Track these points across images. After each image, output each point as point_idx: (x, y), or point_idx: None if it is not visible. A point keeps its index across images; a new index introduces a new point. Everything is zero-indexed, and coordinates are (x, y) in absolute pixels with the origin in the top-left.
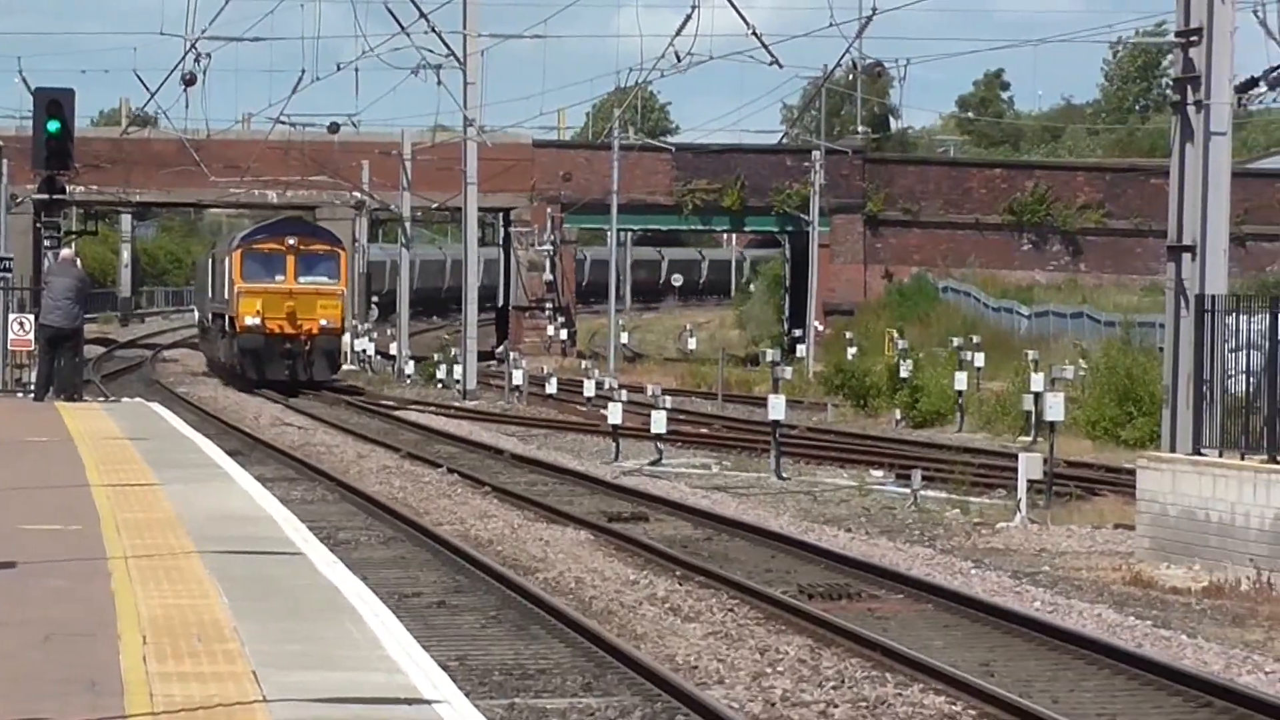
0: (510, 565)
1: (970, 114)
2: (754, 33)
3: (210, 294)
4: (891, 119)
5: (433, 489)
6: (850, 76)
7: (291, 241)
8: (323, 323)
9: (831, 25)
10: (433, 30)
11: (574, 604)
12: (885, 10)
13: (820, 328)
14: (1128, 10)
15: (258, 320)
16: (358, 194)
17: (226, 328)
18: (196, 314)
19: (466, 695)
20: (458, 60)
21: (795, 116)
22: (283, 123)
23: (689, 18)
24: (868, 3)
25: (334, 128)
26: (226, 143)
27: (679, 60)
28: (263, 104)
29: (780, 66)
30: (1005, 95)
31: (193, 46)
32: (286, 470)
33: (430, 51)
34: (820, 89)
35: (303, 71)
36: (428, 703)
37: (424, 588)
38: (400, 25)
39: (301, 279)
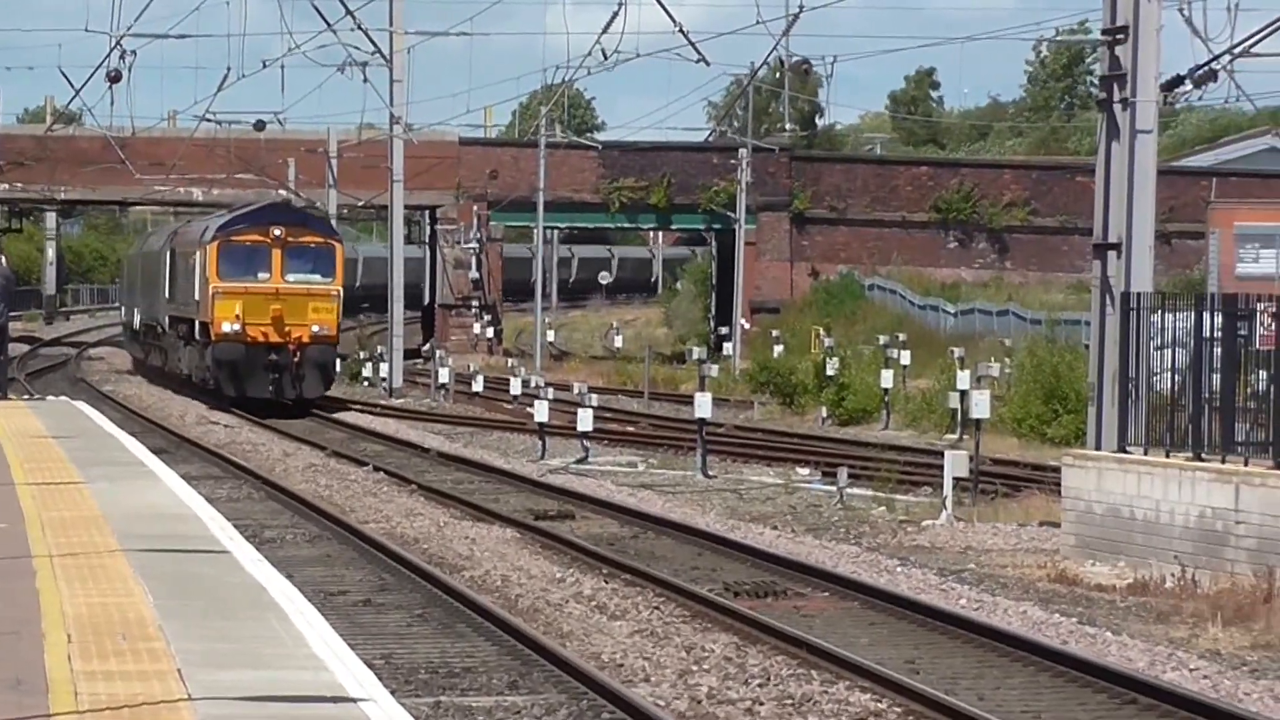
0: (436, 563)
1: (898, 112)
2: (681, 30)
3: (168, 294)
4: (819, 116)
5: (359, 487)
6: (778, 74)
7: (278, 232)
8: (315, 329)
9: (759, 23)
10: (359, 27)
11: (500, 602)
12: (812, 8)
13: (746, 325)
14: (1056, 9)
15: (237, 326)
16: (284, 192)
17: (197, 335)
18: (123, 313)
19: (392, 693)
20: (384, 57)
21: (722, 114)
22: (208, 120)
23: (616, 15)
24: (795, 0)
25: (260, 125)
26: (152, 140)
27: (606, 58)
28: (188, 101)
29: (707, 64)
30: (935, 94)
31: (118, 43)
32: (212, 468)
33: (356, 49)
34: (747, 87)
35: (228, 69)
36: (353, 701)
37: (350, 586)
38: (326, 22)
39: (289, 277)
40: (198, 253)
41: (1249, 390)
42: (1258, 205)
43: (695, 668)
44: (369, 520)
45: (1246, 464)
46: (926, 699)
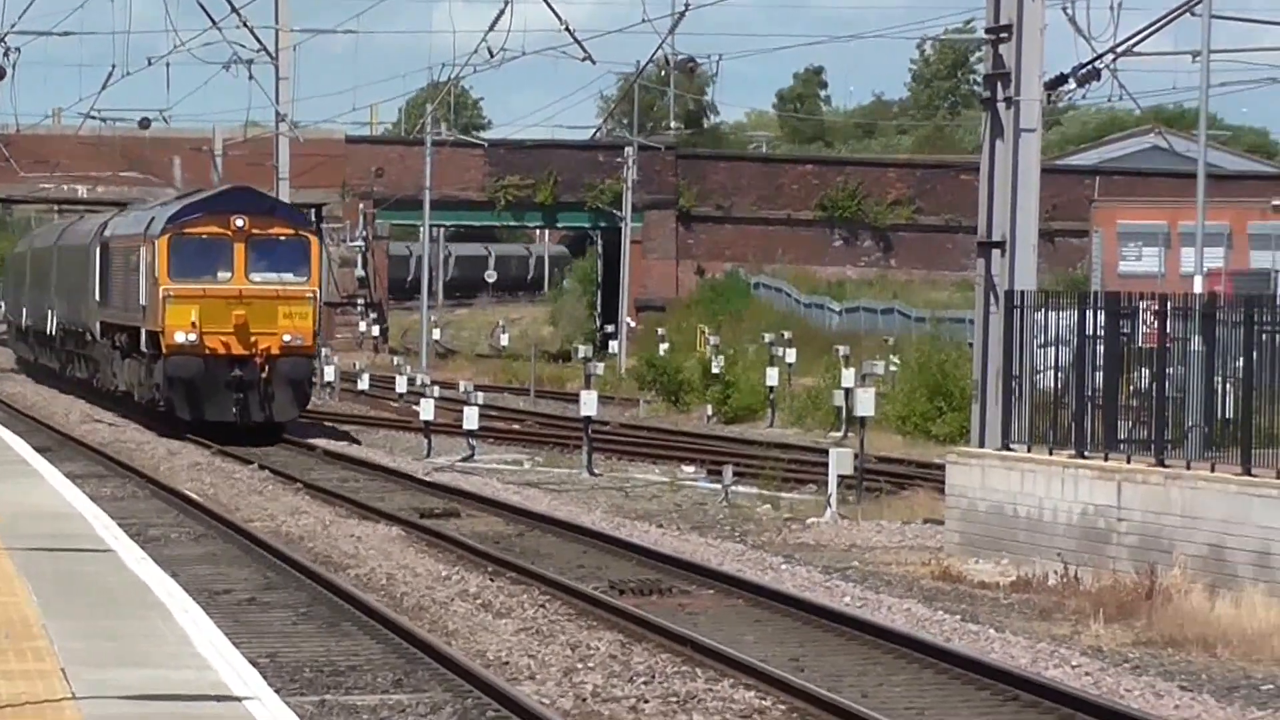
0: (322, 562)
1: (785, 110)
2: (567, 28)
3: (99, 297)
4: (706, 114)
5: (244, 485)
6: (663, 72)
7: (240, 223)
8: (286, 338)
9: (645, 21)
10: (244, 25)
11: (385, 600)
12: (698, 6)
13: (632, 324)
14: (942, 8)
15: (193, 336)
16: (170, 190)
17: (143, 346)
18: (5, 311)
19: (277, 692)
20: (270, 55)
21: (608, 113)
22: (93, 118)
23: (502, 13)
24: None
25: (145, 123)
26: (36, 138)
27: (492, 56)
28: (73, 99)
29: (594, 62)
30: (823, 93)
31: (1, 40)
32: (96, 467)
33: (242, 46)
34: (632, 85)
35: (113, 66)
36: (238, 699)
37: (235, 584)
38: (212, 20)
39: (255, 276)
40: (142, 248)
41: (1131, 388)
42: (1141, 204)
43: (580, 665)
44: (254, 519)
45: (1129, 461)
46: (811, 696)
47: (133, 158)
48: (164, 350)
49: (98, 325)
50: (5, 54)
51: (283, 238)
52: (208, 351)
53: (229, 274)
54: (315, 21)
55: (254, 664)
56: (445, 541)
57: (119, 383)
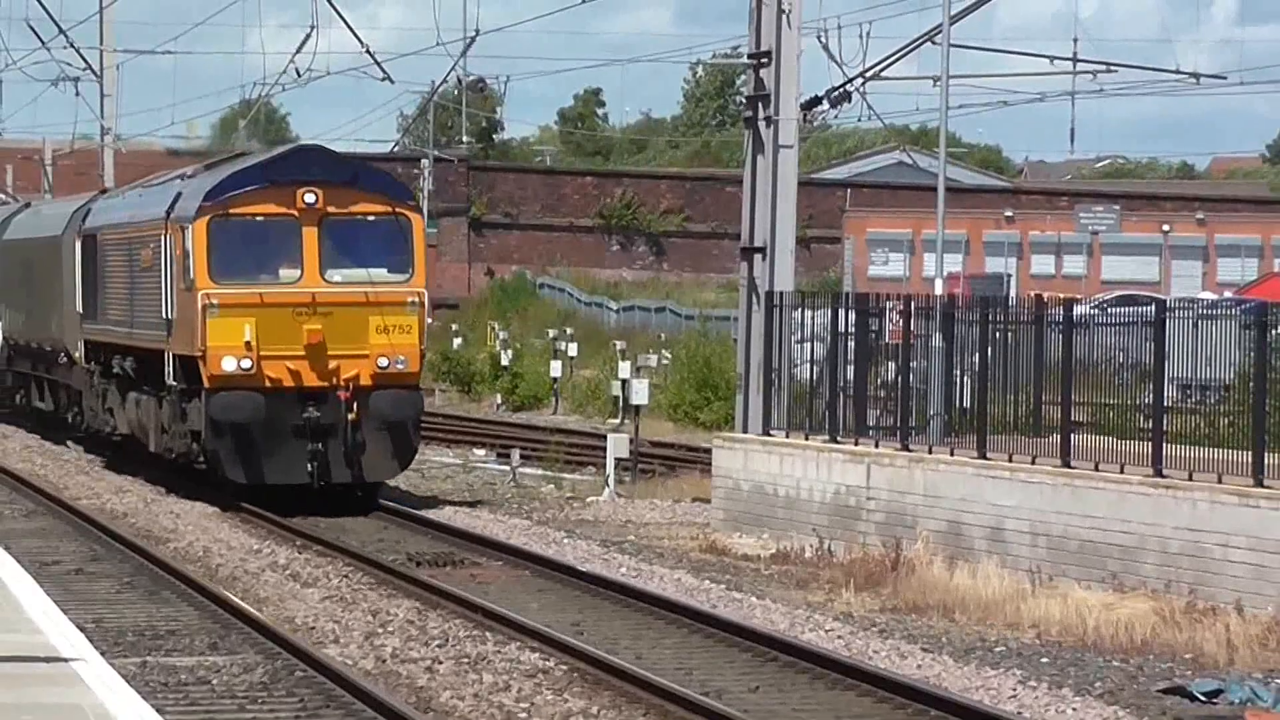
0: (144, 536)
1: (566, 127)
2: (368, 51)
3: (81, 306)
4: (496, 130)
5: (73, 466)
6: (457, 91)
7: (311, 198)
8: (382, 362)
9: (439, 45)
10: (71, 46)
11: (202, 571)
12: (487, 31)
13: (429, 320)
14: (711, 34)
15: (246, 363)
16: (2, 195)
17: (171, 378)
18: None
19: (102, 654)
20: (95, 74)
21: (406, 128)
22: None
23: (308, 37)
24: (471, 25)
25: None
26: None
27: (299, 76)
28: None
29: (392, 82)
30: (601, 111)
31: None
32: None
33: (69, 65)
34: (428, 102)
35: None
36: (66, 660)
37: (63, 556)
38: (41, 40)
39: (335, 273)
40: (165, 238)
41: (879, 380)
42: (887, 214)
43: (380, 630)
44: (81, 497)
45: (877, 445)
46: (589, 657)
47: None
48: (205, 383)
49: (80, 345)
50: None
51: (371, 217)
52: (268, 384)
53: (296, 271)
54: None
55: (81, 629)
56: (257, 518)
57: (116, 423)
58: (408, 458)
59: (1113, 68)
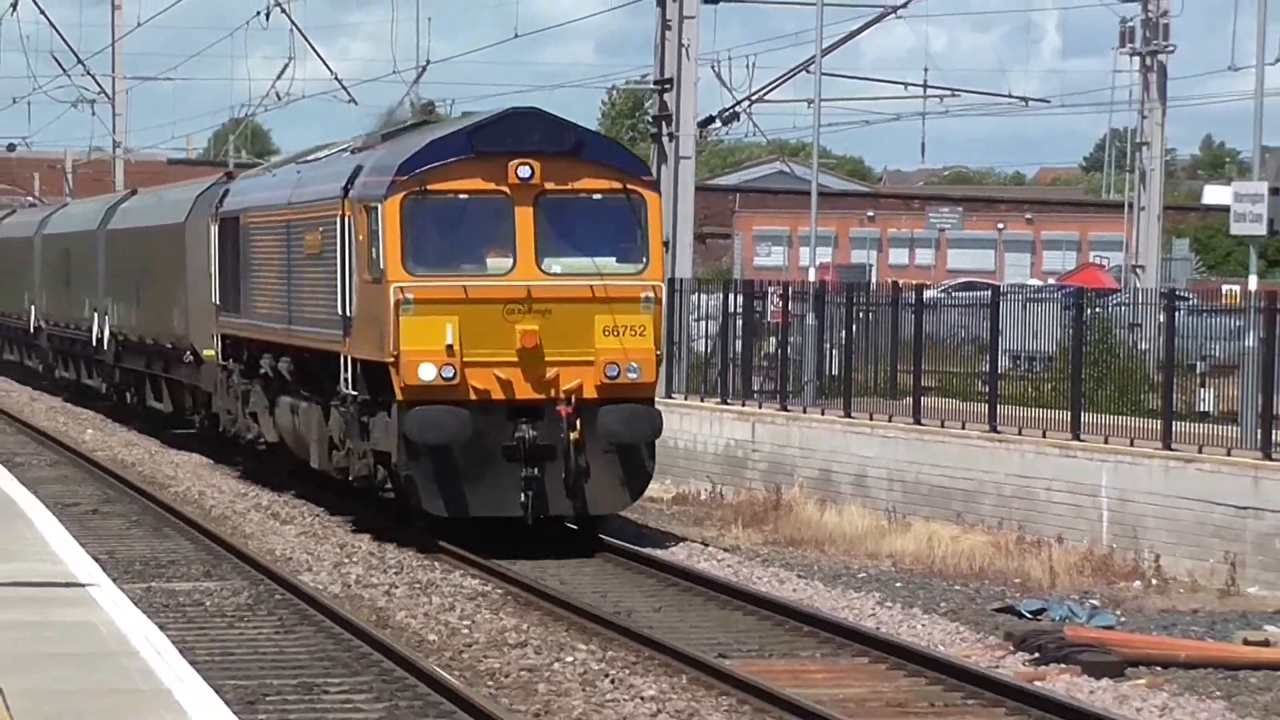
0: (149, 482)
1: None
2: (336, 78)
3: (222, 295)
4: None
5: (89, 424)
6: (411, 114)
7: (526, 171)
8: (610, 371)
9: (395, 73)
10: (88, 73)
11: (198, 511)
12: (437, 61)
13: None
14: (625, 64)
15: (449, 371)
16: (30, 198)
17: (350, 386)
18: None
19: (114, 580)
20: (108, 96)
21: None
22: None
23: (286, 66)
24: (423, 57)
25: (11, 147)
26: None
27: (279, 98)
28: None
29: (356, 104)
30: None
31: None
32: None
33: (87, 89)
34: (387, 123)
35: None
36: (83, 586)
37: (81, 499)
38: (63, 68)
39: (554, 263)
40: (344, 220)
41: (763, 352)
42: (770, 214)
43: (347, 560)
44: (97, 449)
45: (760, 407)
46: (522, 583)
47: (1, 174)
48: (398, 394)
49: (216, 340)
50: None
51: (598, 195)
52: (474, 396)
53: (507, 260)
54: (144, 70)
55: (96, 559)
56: (242, 468)
57: (261, 430)
58: (640, 486)
59: (956, 92)
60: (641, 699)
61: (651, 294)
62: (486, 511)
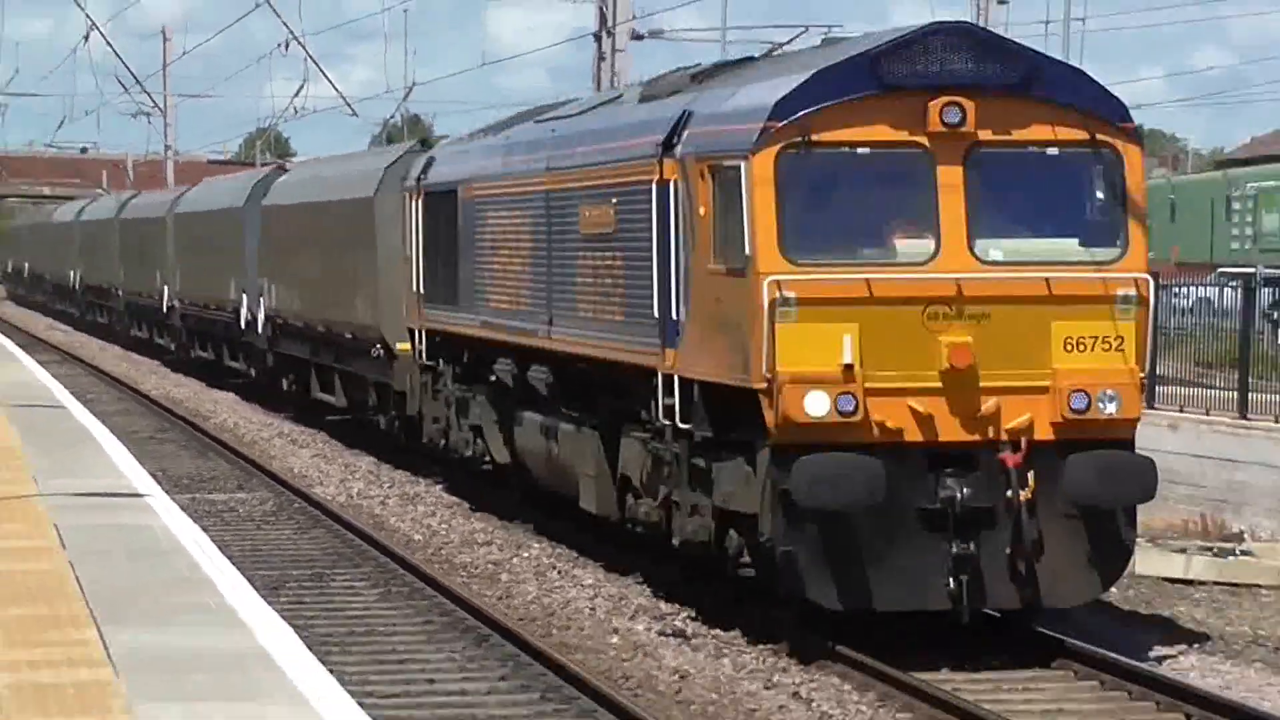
0: (193, 415)
1: None
2: (341, 95)
3: (424, 284)
4: None
5: (147, 369)
6: (402, 124)
7: (954, 115)
8: (1075, 401)
9: (388, 91)
10: (145, 91)
11: (232, 438)
12: (421, 83)
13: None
14: (571, 87)
15: (848, 402)
16: (99, 190)
17: (678, 416)
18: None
19: (166, 492)
20: (160, 110)
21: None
22: (50, 146)
23: (302, 86)
24: (410, 79)
25: (84, 150)
26: (19, 158)
27: (296, 112)
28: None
29: (357, 116)
30: None
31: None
32: (54, 357)
33: (144, 104)
34: (383, 131)
35: (64, 117)
36: (141, 496)
37: (140, 428)
38: (125, 88)
39: (992, 245)
40: (675, 184)
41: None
42: None
43: (350, 477)
44: (154, 389)
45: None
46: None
47: (75, 172)
48: (772, 434)
49: (419, 334)
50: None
51: (1055, 148)
52: (879, 437)
53: (927, 242)
54: (190, 88)
55: (152, 475)
56: (272, 401)
57: (488, 450)
58: (1116, 568)
59: None
60: None
61: (1133, 291)
62: (898, 603)
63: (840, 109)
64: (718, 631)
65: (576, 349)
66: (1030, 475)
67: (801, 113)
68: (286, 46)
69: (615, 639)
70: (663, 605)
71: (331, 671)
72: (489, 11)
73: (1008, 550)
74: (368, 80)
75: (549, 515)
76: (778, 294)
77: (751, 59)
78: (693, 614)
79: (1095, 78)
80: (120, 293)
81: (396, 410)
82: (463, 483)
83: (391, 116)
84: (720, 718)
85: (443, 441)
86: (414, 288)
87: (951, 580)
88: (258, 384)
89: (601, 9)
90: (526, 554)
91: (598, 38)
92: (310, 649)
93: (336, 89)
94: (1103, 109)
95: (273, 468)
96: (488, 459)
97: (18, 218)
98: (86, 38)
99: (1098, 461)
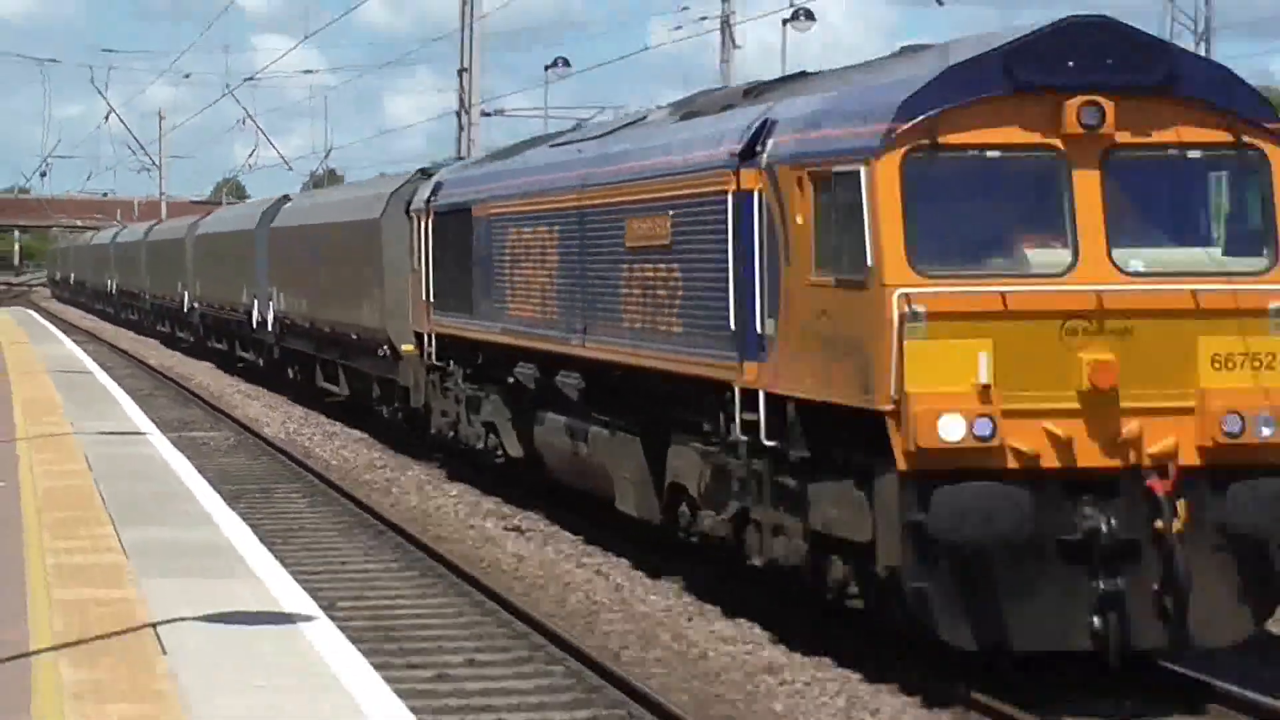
0: (182, 379)
1: None
2: (282, 156)
3: (432, 292)
4: None
5: (162, 348)
6: (325, 177)
7: (1092, 118)
8: (1229, 424)
9: (313, 153)
10: (145, 153)
11: (211, 395)
12: (337, 146)
13: None
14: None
15: (984, 426)
16: (115, 223)
17: (764, 433)
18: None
19: (161, 432)
20: (157, 166)
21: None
22: (82, 192)
23: (254, 149)
24: (329, 143)
25: (105, 194)
26: (54, 200)
27: (250, 168)
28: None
29: (292, 169)
30: None
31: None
32: (89, 339)
33: (145, 162)
34: (309, 184)
35: (90, 172)
36: (143, 434)
37: (146, 389)
38: (132, 151)
39: (1132, 255)
40: (760, 194)
41: None
42: None
43: (289, 420)
44: (163, 363)
45: None
46: (391, 439)
47: (98, 210)
48: (902, 462)
49: (428, 338)
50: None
51: (1196, 152)
52: (1015, 464)
53: (1063, 252)
54: (178, 151)
55: (152, 420)
56: (245, 372)
57: (502, 445)
58: (1269, 604)
59: None
60: None
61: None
62: (1038, 643)
63: (969, 110)
64: (543, 526)
65: (615, 357)
66: (1180, 504)
67: (928, 114)
68: (244, 122)
69: (472, 533)
70: (505, 509)
71: (275, 556)
72: (385, 96)
73: (1155, 586)
74: (300, 144)
75: (419, 453)
76: (906, 308)
77: (805, 73)
78: (530, 516)
79: (1242, 78)
80: (147, 296)
81: (400, 403)
82: (371, 427)
83: (316, 170)
84: (546, 588)
85: (452, 434)
86: (424, 296)
87: (1096, 619)
88: (263, 371)
89: (460, 95)
90: (410, 473)
91: (458, 114)
92: (261, 541)
93: (278, 151)
94: (1249, 109)
95: (234, 414)
96: (500, 453)
97: (59, 242)
98: (107, 117)
99: (1258, 491)
